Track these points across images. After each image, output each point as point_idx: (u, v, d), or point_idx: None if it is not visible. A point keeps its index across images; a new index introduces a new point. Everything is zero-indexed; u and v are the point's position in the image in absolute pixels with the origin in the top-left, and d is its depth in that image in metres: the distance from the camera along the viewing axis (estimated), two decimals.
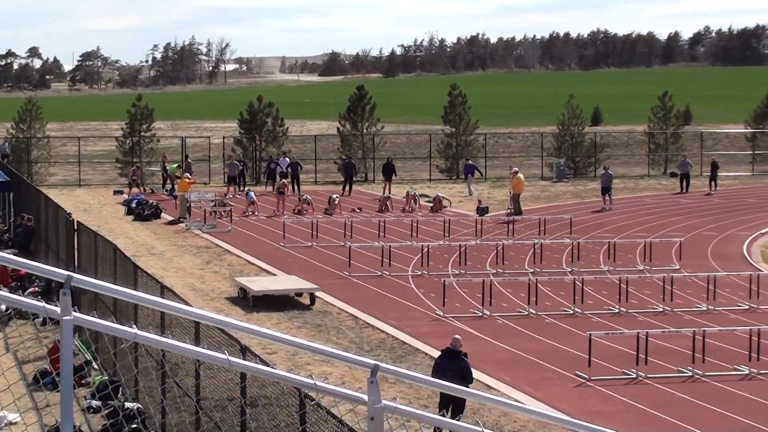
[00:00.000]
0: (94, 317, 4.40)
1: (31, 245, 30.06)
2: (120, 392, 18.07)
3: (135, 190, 47.30)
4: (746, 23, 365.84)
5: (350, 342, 22.22)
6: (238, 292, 26.84)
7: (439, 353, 17.25)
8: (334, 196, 42.36)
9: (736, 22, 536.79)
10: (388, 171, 47.94)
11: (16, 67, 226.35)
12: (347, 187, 48.34)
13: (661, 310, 25.16)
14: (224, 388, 13.40)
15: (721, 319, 24.23)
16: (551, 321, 24.08)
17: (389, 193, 45.34)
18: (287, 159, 49.29)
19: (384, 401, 4.34)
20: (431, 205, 43.01)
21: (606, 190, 43.80)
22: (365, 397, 4.37)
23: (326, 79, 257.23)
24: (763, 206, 44.27)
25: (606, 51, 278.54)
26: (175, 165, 49.18)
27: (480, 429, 4.46)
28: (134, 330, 4.35)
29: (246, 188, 47.31)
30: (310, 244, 34.55)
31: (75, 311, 4.27)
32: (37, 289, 25.98)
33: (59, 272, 4.38)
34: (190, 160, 50.47)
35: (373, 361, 4.44)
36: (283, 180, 44.95)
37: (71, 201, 44.41)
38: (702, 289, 26.46)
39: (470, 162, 50.78)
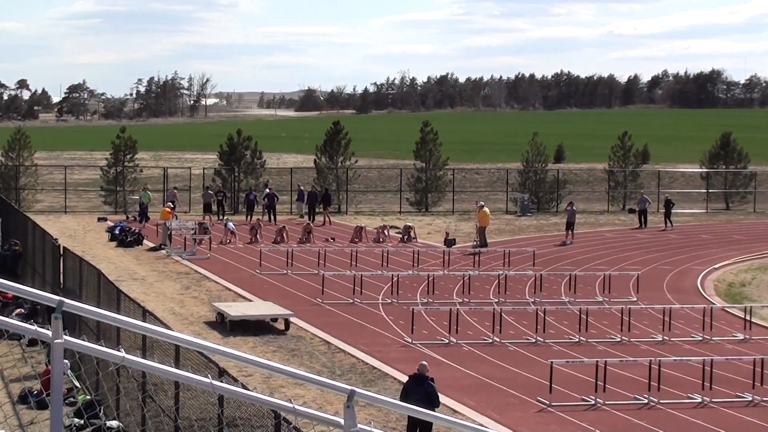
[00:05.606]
0: (84, 341, 4.51)
1: (18, 269, 30.53)
2: (102, 411, 18.21)
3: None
4: (702, 68, 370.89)
5: (323, 366, 22.73)
6: (215, 317, 27.41)
7: (407, 378, 17.47)
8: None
9: (692, 67, 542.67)
10: (326, 200, 50.39)
11: (5, 98, 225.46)
12: (311, 215, 50.07)
13: (619, 339, 25.74)
14: (202, 409, 13.70)
15: (676, 349, 24.83)
16: (514, 349, 24.62)
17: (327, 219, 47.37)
18: (267, 190, 50.64)
19: (359, 425, 4.44)
20: (400, 235, 44.14)
21: (570, 224, 44.94)
22: (341, 421, 4.44)
23: (302, 114, 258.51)
24: (716, 242, 44.99)
25: (569, 92, 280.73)
26: (148, 193, 50.38)
27: None
28: (122, 353, 4.47)
29: (225, 218, 48.30)
30: (285, 271, 35.24)
31: (66, 335, 4.38)
32: (23, 311, 26.25)
33: (51, 297, 4.46)
34: (176, 189, 51.52)
35: (349, 387, 4.52)
36: (258, 217, 46.82)
37: (57, 227, 44.86)
38: (658, 320, 27.16)
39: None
